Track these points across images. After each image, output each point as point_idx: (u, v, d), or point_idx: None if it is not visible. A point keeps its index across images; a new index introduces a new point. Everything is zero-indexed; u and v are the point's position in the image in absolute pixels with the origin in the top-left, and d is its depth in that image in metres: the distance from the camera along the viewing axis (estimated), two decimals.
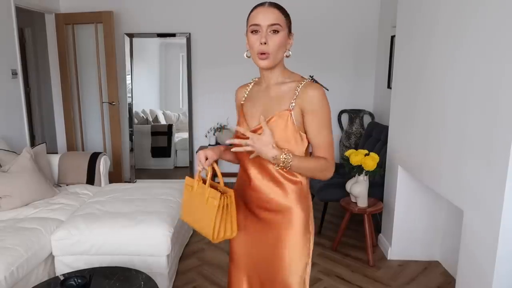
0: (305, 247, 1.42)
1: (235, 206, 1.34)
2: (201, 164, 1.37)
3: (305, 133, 1.34)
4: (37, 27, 5.33)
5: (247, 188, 1.43)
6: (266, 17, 1.29)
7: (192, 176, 1.47)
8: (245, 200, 1.45)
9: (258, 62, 1.33)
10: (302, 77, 1.39)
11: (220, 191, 1.32)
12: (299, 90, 1.32)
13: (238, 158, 1.46)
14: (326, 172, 1.35)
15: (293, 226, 1.39)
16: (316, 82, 1.37)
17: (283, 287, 1.41)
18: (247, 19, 1.35)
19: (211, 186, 1.37)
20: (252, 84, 1.50)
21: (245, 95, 1.48)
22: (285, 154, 1.28)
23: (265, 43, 1.28)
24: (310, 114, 1.31)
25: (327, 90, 1.35)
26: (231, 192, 1.33)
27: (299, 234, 1.40)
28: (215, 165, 1.39)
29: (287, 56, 1.36)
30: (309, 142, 1.36)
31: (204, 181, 1.38)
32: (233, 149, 1.38)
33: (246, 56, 1.39)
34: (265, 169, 1.38)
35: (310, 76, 1.42)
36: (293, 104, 1.31)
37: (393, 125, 3.06)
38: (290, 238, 1.40)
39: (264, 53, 1.29)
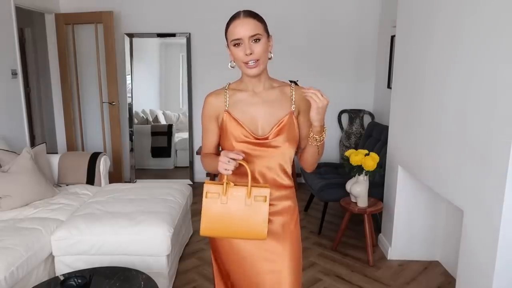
0: (300, 240, 1.54)
1: None
2: (233, 163, 1.27)
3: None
4: (37, 27, 5.32)
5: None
6: (246, 29, 1.31)
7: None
8: None
9: (247, 71, 1.36)
10: (285, 81, 1.50)
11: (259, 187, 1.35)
12: (294, 94, 1.44)
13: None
14: None
15: (295, 220, 1.50)
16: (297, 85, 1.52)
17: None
18: (226, 33, 1.37)
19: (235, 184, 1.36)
20: (228, 90, 1.44)
21: (227, 103, 1.42)
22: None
23: (250, 54, 1.32)
24: (303, 113, 1.45)
25: None
26: (268, 185, 1.38)
27: (298, 228, 1.52)
28: (244, 163, 1.32)
29: (269, 59, 1.40)
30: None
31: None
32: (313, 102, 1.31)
33: (230, 66, 1.42)
34: (264, 175, 1.42)
35: (293, 81, 1.49)
36: (294, 106, 1.43)
37: (393, 125, 3.06)
38: (295, 231, 1.49)
39: (253, 62, 1.33)
